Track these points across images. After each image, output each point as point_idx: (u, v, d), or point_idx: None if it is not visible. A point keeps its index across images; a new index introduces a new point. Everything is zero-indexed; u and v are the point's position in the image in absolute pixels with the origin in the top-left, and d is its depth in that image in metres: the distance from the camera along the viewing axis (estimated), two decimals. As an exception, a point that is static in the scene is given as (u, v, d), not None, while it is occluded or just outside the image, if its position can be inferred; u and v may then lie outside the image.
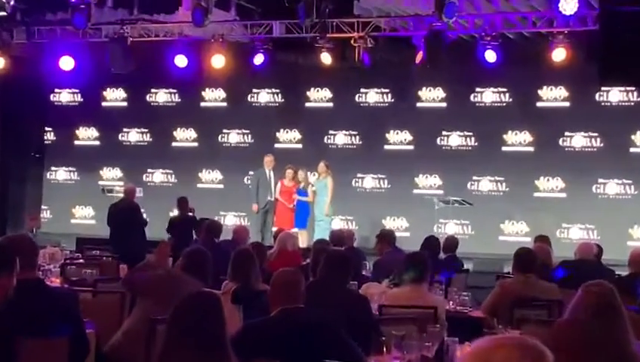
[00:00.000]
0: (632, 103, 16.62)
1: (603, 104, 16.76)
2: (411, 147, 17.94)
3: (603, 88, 16.35)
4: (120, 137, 19.56)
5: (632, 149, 16.64)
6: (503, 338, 2.33)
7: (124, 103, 19.59)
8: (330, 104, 18.51)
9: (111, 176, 19.38)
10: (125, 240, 13.17)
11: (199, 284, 6.83)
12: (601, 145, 16.81)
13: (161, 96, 19.38)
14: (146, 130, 19.46)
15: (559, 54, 14.48)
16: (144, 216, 14.73)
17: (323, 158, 16.94)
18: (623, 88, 16.39)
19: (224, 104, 19.07)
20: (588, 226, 16.48)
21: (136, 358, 5.96)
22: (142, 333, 6.03)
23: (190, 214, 14.27)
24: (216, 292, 5.73)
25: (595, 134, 16.81)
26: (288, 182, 16.65)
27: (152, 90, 19.31)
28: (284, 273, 5.60)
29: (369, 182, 18.13)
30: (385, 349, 5.66)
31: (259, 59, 15.85)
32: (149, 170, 19.27)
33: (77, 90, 19.55)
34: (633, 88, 16.24)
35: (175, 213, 15.02)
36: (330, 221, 16.30)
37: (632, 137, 16.62)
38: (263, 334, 5.25)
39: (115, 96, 19.56)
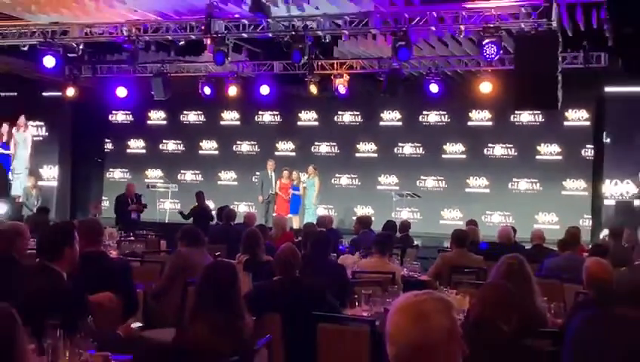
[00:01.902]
0: (538, 123, 16.59)
1: (516, 123, 16.74)
2: (375, 155, 17.87)
3: (516, 112, 16.30)
4: (160, 147, 19.45)
5: (537, 157, 16.64)
6: (423, 293, 2.25)
7: (164, 122, 19.44)
8: (316, 123, 18.42)
9: (153, 175, 19.22)
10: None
11: (206, 253, 6.65)
12: (515, 153, 16.82)
13: (191, 117, 19.25)
14: (180, 142, 19.32)
15: (485, 87, 14.53)
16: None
17: (311, 163, 16.87)
18: (531, 112, 16.34)
19: (238, 123, 18.93)
20: (505, 213, 16.48)
21: (174, 310, 5.81)
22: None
23: (206, 205, 14.14)
24: (233, 262, 5.47)
25: (511, 145, 16.84)
26: (285, 180, 16.48)
27: (185, 112, 19.19)
28: (285, 251, 5.34)
29: (344, 180, 18.10)
30: (357, 304, 5.66)
31: (264, 89, 15.75)
32: (182, 171, 19.11)
33: (129, 112, 19.41)
34: (538, 112, 16.24)
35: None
36: (316, 209, 16.20)
37: (538, 148, 16.61)
38: (268, 294, 5.11)
39: (157, 116, 19.43)
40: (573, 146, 16.38)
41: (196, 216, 13.70)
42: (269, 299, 5.05)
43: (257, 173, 17.27)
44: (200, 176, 19.11)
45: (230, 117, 19.00)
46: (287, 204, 16.45)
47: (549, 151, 16.67)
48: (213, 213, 13.76)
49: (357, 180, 18.09)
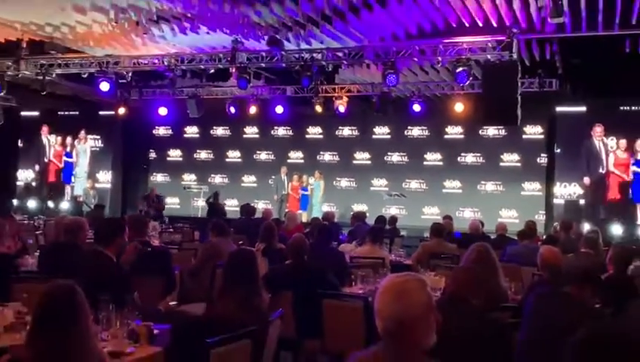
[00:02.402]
0: (501, 136, 16.52)
1: (484, 136, 16.70)
2: (369, 162, 17.82)
3: (484, 127, 16.24)
4: (194, 156, 19.36)
5: (501, 163, 16.58)
6: (404, 275, 2.22)
7: (197, 135, 19.34)
8: (321, 136, 18.35)
9: (189, 179, 19.15)
10: None
11: (231, 242, 6.62)
12: (483, 161, 16.80)
13: (220, 131, 19.16)
14: (210, 151, 19.23)
15: (458, 106, 14.49)
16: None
17: (317, 169, 16.92)
18: (495, 127, 16.27)
19: (257, 136, 18.86)
20: (474, 210, 16.38)
21: (205, 288, 5.78)
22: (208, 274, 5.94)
23: (220, 203, 14.19)
24: (252, 249, 5.56)
25: (479, 154, 16.81)
26: (295, 182, 16.49)
27: (214, 127, 19.10)
28: (296, 240, 5.34)
29: (344, 183, 18.03)
30: (353, 283, 5.63)
31: (278, 109, 15.63)
32: (212, 176, 19.02)
33: (169, 127, 19.35)
34: (502, 127, 16.14)
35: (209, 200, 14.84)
36: (321, 206, 16.07)
37: (501, 156, 16.56)
38: (282, 276, 5.08)
39: (191, 131, 19.35)
40: (530, 155, 16.32)
41: (211, 209, 13.57)
42: (282, 279, 5.03)
43: (273, 177, 17.21)
44: (226, 179, 19.05)
45: (251, 131, 18.98)
46: (297, 202, 16.39)
47: (510, 159, 16.64)
48: (227, 209, 13.79)
49: (354, 183, 18.04)
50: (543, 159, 16.15)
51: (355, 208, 16.24)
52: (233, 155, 19.16)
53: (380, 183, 17.69)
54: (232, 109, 15.94)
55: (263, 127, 18.63)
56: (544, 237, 8.50)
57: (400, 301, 2.12)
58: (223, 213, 13.46)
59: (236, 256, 4.02)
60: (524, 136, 16.37)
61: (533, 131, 16.35)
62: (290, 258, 5.27)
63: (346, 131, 18.16)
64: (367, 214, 11.91)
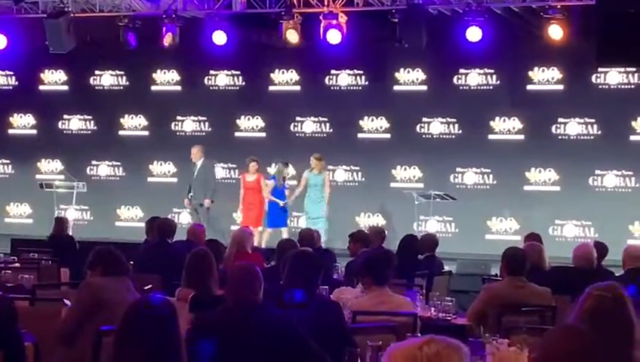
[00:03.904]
0: (633, 86, 16.76)
1: (600, 87, 16.90)
2: (388, 135, 18.01)
3: (600, 69, 16.39)
4: (60, 125, 19.44)
5: (632, 137, 16.86)
6: (426, 340, 2.44)
7: (65, 87, 19.46)
8: (297, 87, 18.54)
9: (50, 169, 19.30)
10: None
11: (130, 286, 6.79)
12: (599, 132, 16.97)
13: (107, 79, 19.24)
14: (90, 118, 19.31)
15: (553, 31, 14.59)
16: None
17: (289, 148, 17.55)
18: (622, 69, 16.44)
19: (178, 88, 19.02)
20: (584, 223, 16.67)
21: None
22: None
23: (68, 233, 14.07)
24: (170, 299, 5.61)
25: (592, 120, 16.95)
26: (250, 176, 16.63)
27: (97, 73, 19.19)
28: (240, 268, 5.61)
29: (341, 174, 18.17)
30: (359, 360, 5.52)
31: (219, 37, 15.70)
32: (94, 162, 19.17)
33: (11, 73, 19.40)
34: (634, 69, 16.31)
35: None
36: (325, 220, 16.23)
37: (633, 124, 16.81)
38: (212, 329, 5.21)
39: (54, 79, 19.41)
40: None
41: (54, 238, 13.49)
42: (216, 337, 5.13)
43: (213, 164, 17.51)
44: (121, 169, 19.16)
45: (166, 79, 19.07)
46: (258, 210, 16.54)
47: (649, 129, 16.70)
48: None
49: (359, 174, 18.19)
50: None
51: (362, 222, 16.31)
52: (133, 124, 19.24)
53: (407, 175, 17.86)
54: (132, 39, 16.09)
55: (190, 72, 18.84)
56: None
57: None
58: (169, 229, 13.08)
59: (139, 312, 4.24)
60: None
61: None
62: (231, 299, 5.47)
63: (343, 78, 18.28)
64: (386, 232, 11.97)
